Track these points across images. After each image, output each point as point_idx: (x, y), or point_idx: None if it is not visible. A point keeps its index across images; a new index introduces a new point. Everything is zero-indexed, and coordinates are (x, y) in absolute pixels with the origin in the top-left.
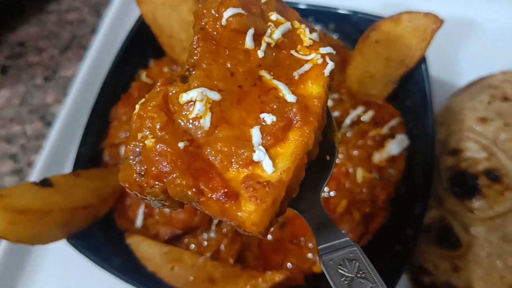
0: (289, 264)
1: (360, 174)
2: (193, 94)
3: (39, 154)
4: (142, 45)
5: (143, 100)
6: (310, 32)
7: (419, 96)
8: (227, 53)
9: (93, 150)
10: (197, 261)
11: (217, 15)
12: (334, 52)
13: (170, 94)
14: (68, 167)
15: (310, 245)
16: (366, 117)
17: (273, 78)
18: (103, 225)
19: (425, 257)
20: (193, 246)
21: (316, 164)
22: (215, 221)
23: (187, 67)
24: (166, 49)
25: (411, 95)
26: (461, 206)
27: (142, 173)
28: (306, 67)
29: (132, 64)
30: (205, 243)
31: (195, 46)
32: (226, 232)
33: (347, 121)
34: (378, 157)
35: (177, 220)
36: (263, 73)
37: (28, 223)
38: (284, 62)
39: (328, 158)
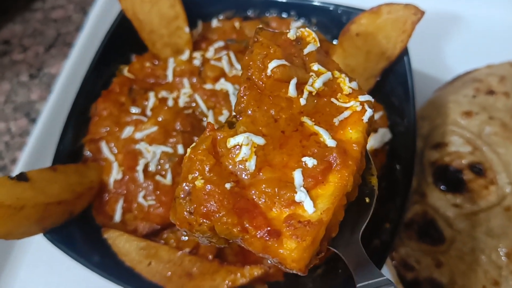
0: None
1: None
2: (239, 139)
3: (23, 151)
4: (123, 41)
5: (193, 144)
6: (350, 81)
7: (402, 89)
8: (271, 101)
9: (73, 145)
10: (174, 256)
11: (262, 66)
12: (373, 100)
13: (218, 138)
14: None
15: None
16: None
17: (314, 124)
18: (81, 220)
19: (408, 253)
20: (172, 241)
21: (356, 206)
22: None
23: (234, 113)
24: (148, 44)
25: (393, 88)
26: (444, 200)
27: (192, 211)
28: (346, 114)
29: (113, 60)
30: (185, 238)
31: (242, 94)
32: None
33: None
34: None
35: (155, 216)
36: (305, 119)
37: (0, 218)
38: (325, 109)
39: (367, 200)
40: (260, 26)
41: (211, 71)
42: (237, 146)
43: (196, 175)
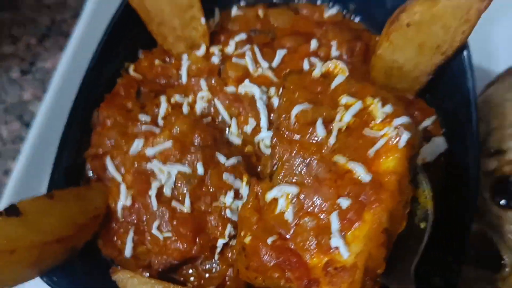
0: None
1: None
2: (275, 192)
3: (16, 161)
4: (129, 34)
5: (244, 201)
6: (383, 105)
7: (459, 91)
8: (301, 147)
9: (73, 162)
10: None
11: (287, 114)
12: (409, 121)
13: (259, 194)
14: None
15: None
16: None
17: (348, 161)
18: (85, 254)
19: (464, 281)
20: (193, 279)
21: (409, 235)
22: (218, 249)
23: (272, 166)
24: (157, 38)
25: (449, 89)
26: (505, 218)
27: (247, 267)
28: (381, 142)
29: (117, 57)
30: (207, 275)
31: (273, 145)
32: (232, 261)
33: None
34: None
35: (172, 250)
36: (337, 158)
37: None
38: (357, 142)
39: (422, 226)
40: (288, 70)
41: (233, 71)
42: (275, 199)
43: (245, 232)
